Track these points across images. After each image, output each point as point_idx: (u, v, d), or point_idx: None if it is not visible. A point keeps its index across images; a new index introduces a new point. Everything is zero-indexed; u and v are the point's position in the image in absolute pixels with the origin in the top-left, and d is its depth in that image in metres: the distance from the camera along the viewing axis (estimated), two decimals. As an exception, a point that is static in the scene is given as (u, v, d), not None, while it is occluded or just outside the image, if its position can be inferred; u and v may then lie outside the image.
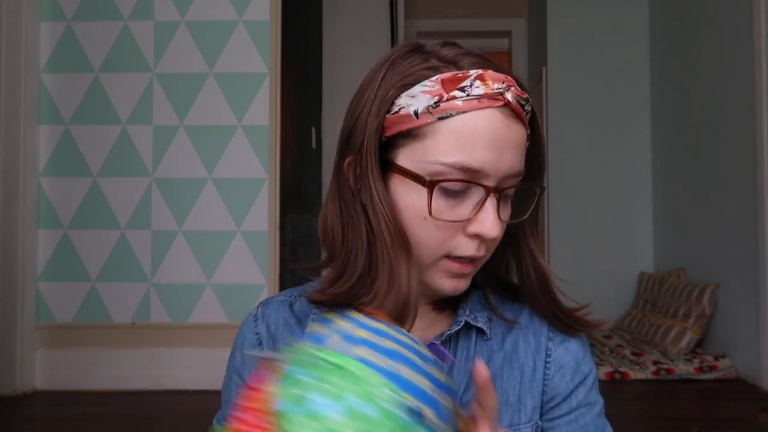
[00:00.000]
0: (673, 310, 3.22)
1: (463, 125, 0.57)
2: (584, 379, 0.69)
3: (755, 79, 2.62)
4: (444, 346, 0.66)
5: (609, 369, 2.80)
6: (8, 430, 2.10)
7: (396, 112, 0.59)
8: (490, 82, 0.57)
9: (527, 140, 0.61)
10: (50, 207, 2.56)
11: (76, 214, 2.55)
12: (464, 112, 0.57)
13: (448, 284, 0.62)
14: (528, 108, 0.59)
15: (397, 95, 0.59)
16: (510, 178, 0.59)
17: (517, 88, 0.59)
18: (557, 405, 0.68)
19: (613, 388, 2.69)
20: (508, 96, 0.57)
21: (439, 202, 0.58)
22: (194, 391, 2.45)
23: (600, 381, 2.69)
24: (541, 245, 0.67)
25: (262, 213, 2.54)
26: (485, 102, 0.57)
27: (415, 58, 0.60)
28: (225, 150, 2.56)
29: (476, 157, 0.57)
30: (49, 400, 2.40)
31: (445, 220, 0.58)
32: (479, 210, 0.58)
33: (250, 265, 2.53)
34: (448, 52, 0.60)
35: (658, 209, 3.90)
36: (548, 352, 0.68)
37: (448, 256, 0.61)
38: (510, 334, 0.68)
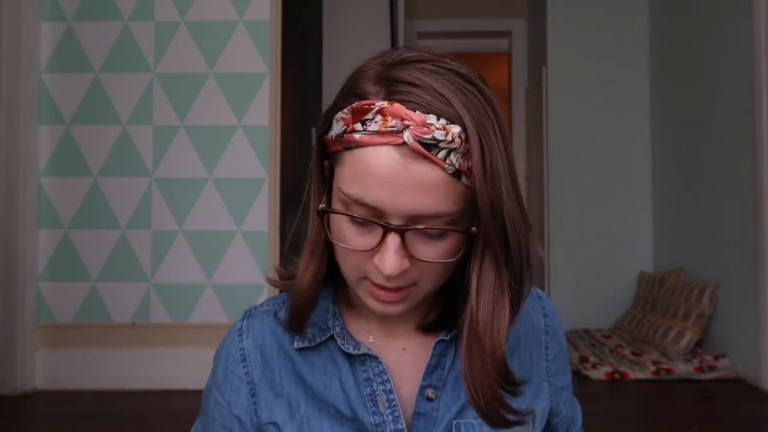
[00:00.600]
0: (672, 310, 3.23)
1: (358, 160, 0.55)
2: (566, 365, 0.76)
3: (755, 79, 2.62)
4: (446, 349, 0.67)
5: (609, 369, 2.80)
6: (8, 430, 2.10)
7: (328, 133, 0.60)
8: (388, 119, 0.54)
9: (460, 179, 0.55)
10: (50, 207, 2.56)
11: (76, 214, 2.55)
12: (362, 146, 0.55)
13: (375, 306, 0.61)
14: (443, 146, 0.53)
15: (332, 115, 0.59)
16: (427, 218, 0.55)
17: (421, 127, 0.53)
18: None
19: (613, 388, 2.69)
20: (405, 135, 0.53)
21: (349, 227, 0.58)
22: (194, 391, 2.45)
23: (600, 381, 2.70)
24: (500, 296, 0.58)
25: (262, 213, 2.54)
26: (381, 138, 0.54)
27: (355, 77, 0.59)
28: (225, 150, 2.56)
29: (369, 193, 0.55)
30: (49, 400, 2.40)
31: (349, 248, 0.59)
32: (379, 244, 0.57)
33: (250, 265, 2.53)
34: (382, 73, 0.57)
35: (658, 209, 3.91)
36: (546, 346, 0.73)
37: (367, 278, 0.61)
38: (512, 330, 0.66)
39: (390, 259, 0.56)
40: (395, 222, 0.56)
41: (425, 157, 0.54)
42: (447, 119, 0.54)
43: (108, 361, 2.49)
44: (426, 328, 0.68)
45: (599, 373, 2.79)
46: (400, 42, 3.83)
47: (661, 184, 3.86)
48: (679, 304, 3.18)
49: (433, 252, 0.58)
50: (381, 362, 0.66)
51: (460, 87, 0.55)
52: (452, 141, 0.54)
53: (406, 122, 0.53)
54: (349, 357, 0.67)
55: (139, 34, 2.58)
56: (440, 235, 0.57)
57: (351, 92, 0.58)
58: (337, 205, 0.59)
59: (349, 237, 0.58)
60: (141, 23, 2.58)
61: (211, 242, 2.55)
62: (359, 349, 0.66)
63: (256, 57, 2.57)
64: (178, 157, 2.56)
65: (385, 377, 0.65)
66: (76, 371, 2.49)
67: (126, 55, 2.58)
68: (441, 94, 0.54)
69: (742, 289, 2.78)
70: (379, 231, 0.57)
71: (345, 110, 0.57)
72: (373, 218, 0.56)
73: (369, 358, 0.66)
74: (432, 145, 0.53)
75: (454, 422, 0.65)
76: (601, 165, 4.04)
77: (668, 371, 2.77)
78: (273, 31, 2.58)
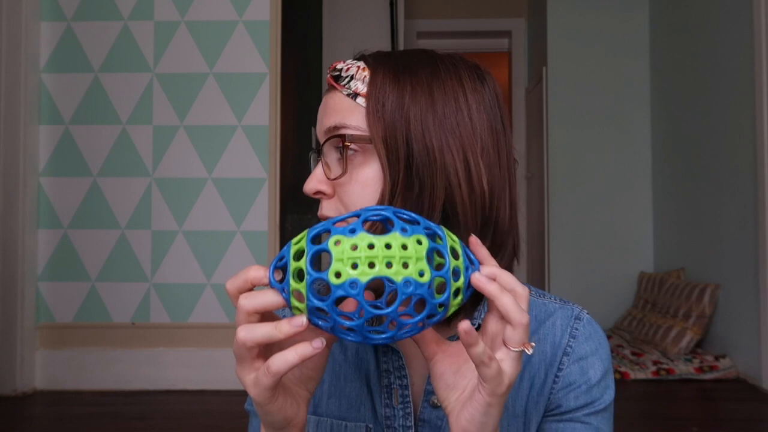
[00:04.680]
0: (673, 310, 3.22)
1: None
2: (592, 402, 0.65)
3: (755, 79, 2.62)
4: None
5: (609, 369, 2.80)
6: (8, 430, 2.10)
7: None
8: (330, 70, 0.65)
9: (356, 99, 0.61)
10: (50, 207, 2.56)
11: (76, 214, 2.55)
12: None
13: None
14: (346, 74, 0.63)
15: None
16: (324, 134, 0.63)
17: (337, 63, 0.65)
18: (552, 412, 0.66)
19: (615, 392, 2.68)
20: (328, 76, 0.65)
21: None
22: (194, 391, 2.45)
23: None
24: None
25: (262, 213, 2.54)
26: (328, 84, 0.65)
27: None
28: (225, 150, 2.56)
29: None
30: (49, 400, 2.40)
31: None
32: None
33: (250, 265, 2.53)
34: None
35: (658, 209, 3.90)
36: (560, 366, 0.66)
37: None
38: (530, 340, 0.65)
39: (311, 176, 0.62)
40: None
41: (333, 87, 0.63)
42: (357, 60, 0.64)
43: (108, 361, 2.49)
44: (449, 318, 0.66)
45: (599, 373, 2.78)
46: (400, 42, 3.83)
47: (661, 184, 3.86)
48: (679, 304, 3.18)
49: (352, 176, 0.61)
50: (401, 357, 0.65)
51: (406, 52, 0.64)
52: (349, 70, 0.63)
53: (330, 66, 0.65)
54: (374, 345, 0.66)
55: (139, 34, 2.58)
56: (353, 158, 0.60)
57: None
58: None
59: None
60: (141, 23, 2.58)
61: (211, 242, 2.54)
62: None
63: (256, 57, 2.57)
64: (177, 157, 2.56)
65: (402, 372, 0.65)
66: (75, 371, 2.49)
67: (126, 55, 2.58)
68: (378, 52, 0.64)
69: (742, 289, 2.78)
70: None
71: None
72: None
73: (391, 350, 0.65)
74: (338, 77, 0.63)
75: None
76: (602, 165, 4.04)
77: (668, 371, 2.77)
78: (273, 31, 2.58)
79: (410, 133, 0.59)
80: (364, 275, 0.45)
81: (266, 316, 0.51)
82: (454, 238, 0.50)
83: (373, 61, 0.63)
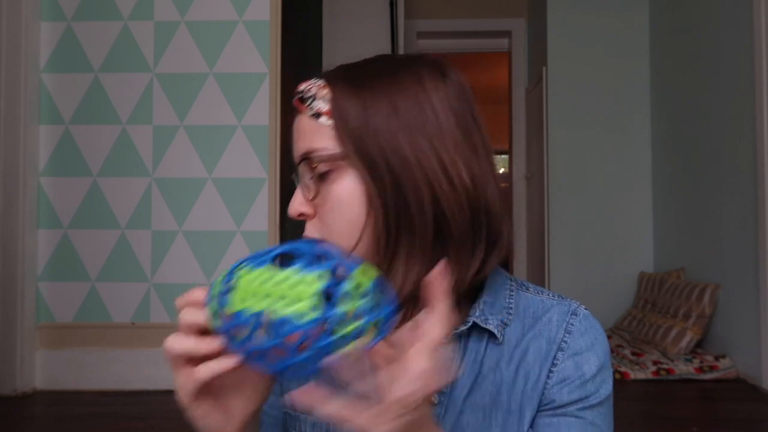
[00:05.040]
0: (673, 310, 3.22)
1: None
2: (586, 396, 0.64)
3: (755, 79, 2.62)
4: (454, 346, 0.65)
5: (609, 369, 2.80)
6: (8, 430, 2.10)
7: None
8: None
9: (319, 119, 0.62)
10: (50, 207, 2.56)
11: (76, 214, 2.55)
12: None
13: None
14: (308, 95, 0.63)
15: None
16: (297, 159, 0.64)
17: (300, 85, 0.65)
18: (546, 407, 0.65)
19: (613, 387, 2.68)
20: (294, 99, 0.66)
21: None
22: (194, 391, 2.45)
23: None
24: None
25: (262, 213, 2.54)
26: (294, 107, 0.66)
27: None
28: (225, 150, 2.56)
29: None
30: (49, 400, 2.40)
31: None
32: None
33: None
34: None
35: (658, 209, 3.90)
36: (554, 362, 0.65)
37: None
38: (525, 336, 0.66)
39: (292, 200, 0.64)
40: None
41: (299, 109, 0.64)
42: (318, 78, 0.64)
43: (108, 361, 2.49)
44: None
45: (599, 373, 2.78)
46: (400, 42, 3.83)
47: (661, 184, 3.86)
48: (679, 304, 3.18)
49: (328, 195, 0.62)
50: None
51: (364, 61, 0.65)
52: (311, 90, 0.63)
53: (296, 89, 0.65)
54: None
55: (139, 34, 2.58)
56: (327, 176, 0.61)
57: None
58: None
59: None
60: (141, 23, 2.58)
61: (211, 242, 2.54)
62: None
63: (256, 57, 2.57)
64: (177, 157, 2.56)
65: None
66: (76, 371, 2.49)
67: (126, 55, 2.58)
68: (338, 67, 0.65)
69: (742, 289, 2.78)
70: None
71: None
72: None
73: None
74: (302, 99, 0.64)
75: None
76: (602, 165, 4.04)
77: (668, 371, 2.77)
78: (273, 31, 2.58)
79: (380, 143, 0.59)
80: (255, 307, 0.47)
81: (203, 331, 0.53)
82: (370, 275, 0.50)
83: (332, 77, 0.63)
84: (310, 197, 0.63)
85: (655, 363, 2.84)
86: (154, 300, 2.53)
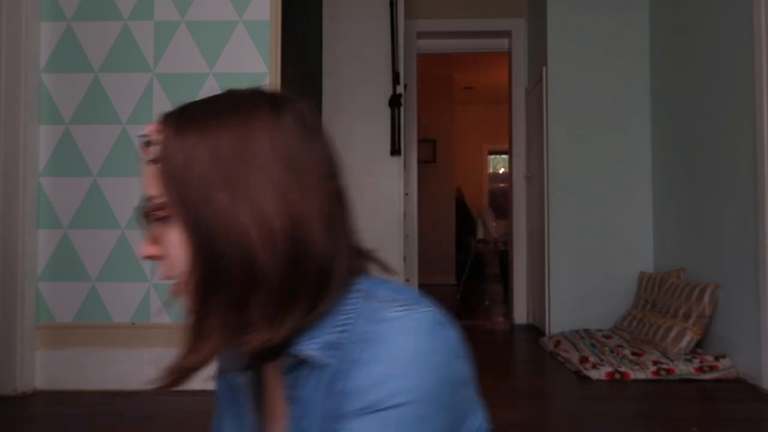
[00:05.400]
0: (673, 310, 3.22)
1: None
2: (368, 406, 0.55)
3: (755, 79, 2.63)
4: (295, 384, 0.64)
5: (609, 369, 2.80)
6: (8, 430, 2.10)
7: None
8: None
9: (157, 164, 0.61)
10: (50, 207, 2.56)
11: (76, 214, 2.55)
12: None
13: None
14: (149, 140, 0.62)
15: None
16: (149, 202, 0.62)
17: (147, 127, 0.63)
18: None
19: (613, 388, 2.69)
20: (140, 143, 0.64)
21: None
22: (194, 391, 2.44)
23: (600, 381, 2.66)
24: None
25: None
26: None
27: None
28: (225, 150, 2.55)
29: None
30: (49, 400, 2.40)
31: None
32: None
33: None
34: None
35: (658, 209, 3.90)
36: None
37: None
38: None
39: (141, 243, 0.64)
40: None
41: (143, 154, 0.62)
42: (159, 120, 0.63)
43: (108, 361, 2.49)
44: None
45: (599, 373, 2.78)
46: (400, 42, 3.83)
47: (661, 184, 3.86)
48: (679, 304, 3.18)
49: (175, 238, 0.61)
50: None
51: (202, 101, 0.65)
52: (151, 134, 0.61)
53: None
54: None
55: (139, 34, 2.58)
56: (166, 220, 0.60)
57: None
58: None
59: None
60: (141, 23, 2.58)
61: (211, 242, 2.54)
62: None
63: (256, 57, 2.57)
64: (177, 157, 2.55)
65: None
66: (75, 371, 2.49)
67: (126, 55, 2.58)
68: (179, 107, 0.64)
69: (742, 289, 2.78)
70: None
71: None
72: None
73: None
74: (146, 143, 0.62)
75: None
76: (601, 165, 4.04)
77: (668, 371, 2.77)
78: (273, 31, 2.58)
79: (198, 193, 0.58)
80: None
81: None
82: None
83: (166, 119, 0.62)
84: (152, 241, 0.63)
85: (655, 363, 2.84)
86: (154, 300, 2.53)
